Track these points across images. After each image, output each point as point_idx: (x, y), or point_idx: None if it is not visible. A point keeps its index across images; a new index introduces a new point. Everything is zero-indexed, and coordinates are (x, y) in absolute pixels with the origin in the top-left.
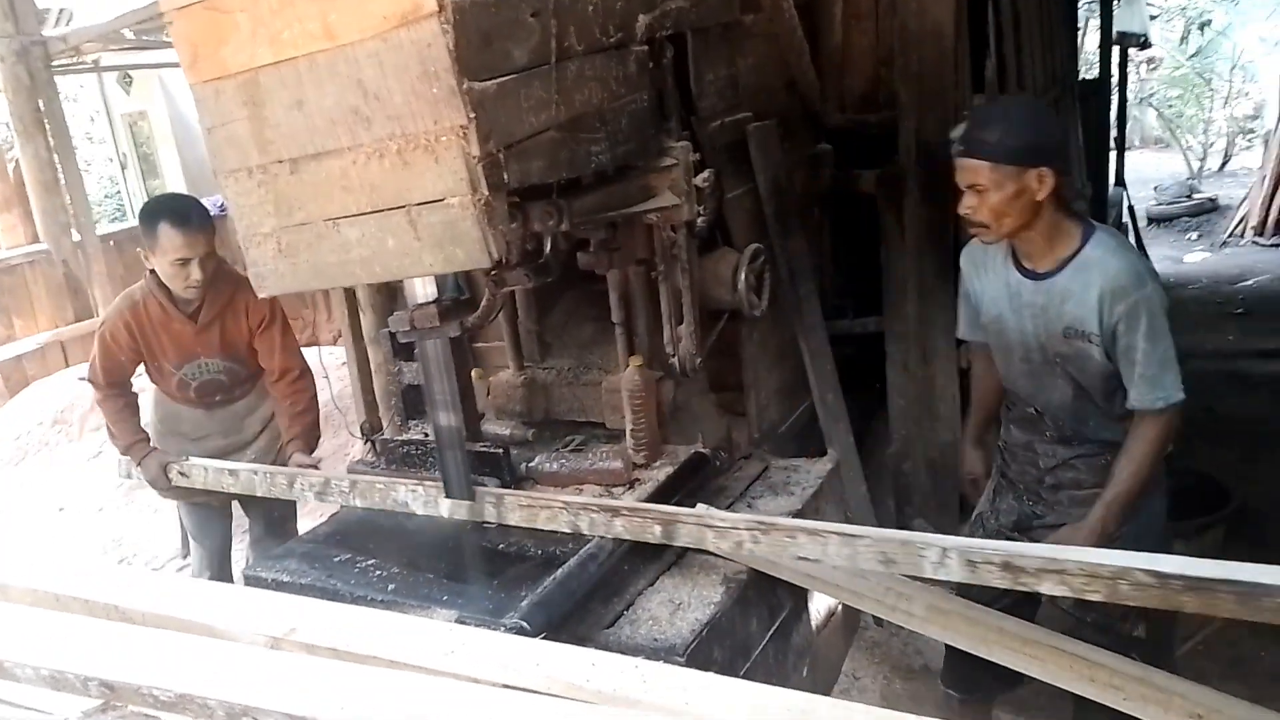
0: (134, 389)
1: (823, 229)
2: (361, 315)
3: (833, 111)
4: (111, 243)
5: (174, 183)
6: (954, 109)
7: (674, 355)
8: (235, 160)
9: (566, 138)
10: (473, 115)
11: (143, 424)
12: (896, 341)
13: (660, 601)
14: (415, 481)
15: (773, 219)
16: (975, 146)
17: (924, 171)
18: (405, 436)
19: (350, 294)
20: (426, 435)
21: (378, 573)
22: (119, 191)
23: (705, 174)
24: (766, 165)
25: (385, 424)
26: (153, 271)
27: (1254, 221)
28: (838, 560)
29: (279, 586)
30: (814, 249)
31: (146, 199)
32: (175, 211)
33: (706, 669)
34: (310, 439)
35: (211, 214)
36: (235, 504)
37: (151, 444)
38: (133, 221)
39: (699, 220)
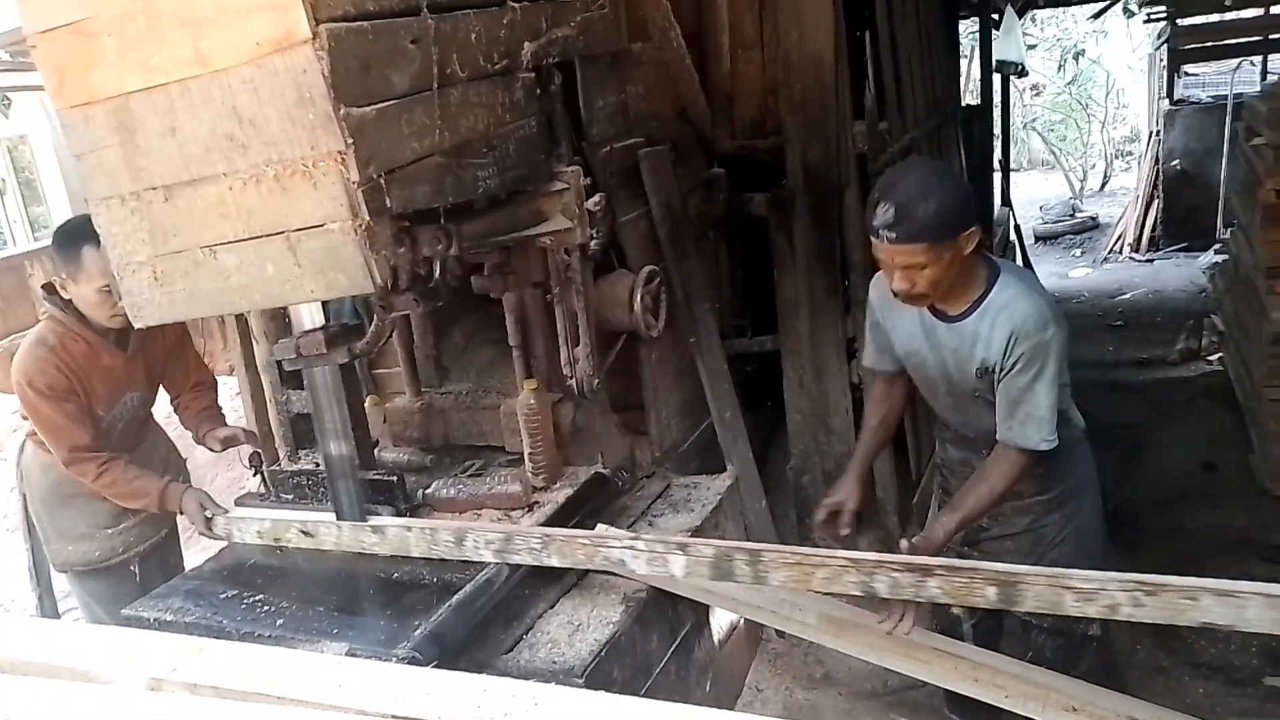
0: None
1: (719, 251)
2: (255, 344)
3: (724, 138)
4: None
5: (58, 209)
6: (837, 135)
7: (572, 377)
8: (107, 188)
9: (451, 163)
10: (351, 141)
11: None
12: (791, 359)
13: (560, 624)
14: (629, 536)
15: (667, 242)
16: (907, 232)
17: (811, 195)
18: (296, 467)
19: (243, 323)
20: (318, 465)
21: (265, 608)
22: None
23: (596, 198)
24: (659, 189)
25: (282, 456)
26: (68, 304)
27: (1130, 239)
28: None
29: (162, 626)
30: (710, 270)
31: (35, 225)
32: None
33: (606, 689)
34: (221, 416)
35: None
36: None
37: (183, 481)
38: (12, 250)
39: (592, 243)
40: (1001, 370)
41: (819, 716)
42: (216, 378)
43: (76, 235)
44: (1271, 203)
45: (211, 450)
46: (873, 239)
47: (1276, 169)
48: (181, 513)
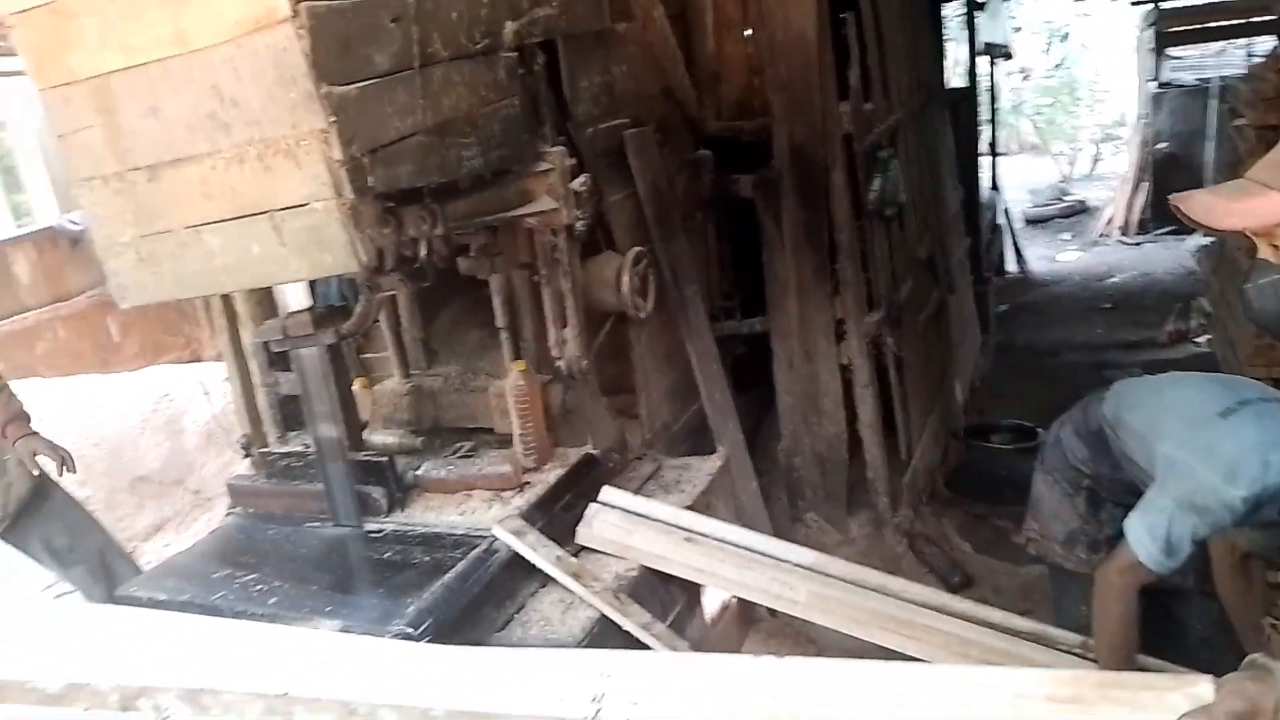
0: None
1: (707, 232)
2: (242, 329)
3: (710, 118)
4: None
5: (40, 196)
6: (822, 116)
7: (560, 358)
8: (90, 168)
9: (435, 142)
10: (333, 119)
11: None
12: (781, 340)
13: (551, 601)
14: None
15: (653, 222)
16: None
17: (798, 176)
18: (285, 449)
19: (229, 307)
20: (307, 446)
21: (259, 587)
22: None
23: (582, 178)
24: (645, 170)
25: (271, 439)
26: None
27: (1119, 222)
28: None
29: (156, 605)
30: (698, 252)
31: (17, 212)
32: None
33: None
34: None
35: None
36: None
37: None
38: None
39: (578, 224)
40: None
41: None
42: None
43: None
44: None
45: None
46: None
47: (1259, 149)
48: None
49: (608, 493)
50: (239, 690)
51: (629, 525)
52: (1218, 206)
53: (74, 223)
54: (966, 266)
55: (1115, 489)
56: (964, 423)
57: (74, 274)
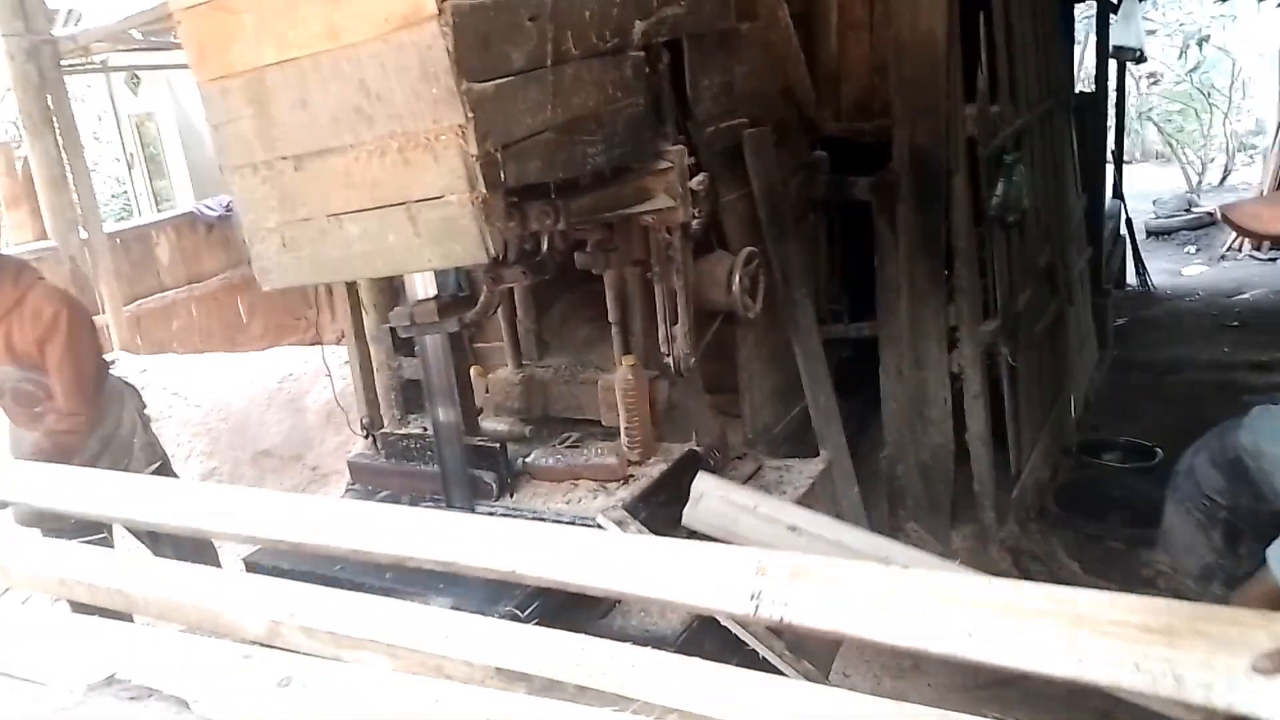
0: None
1: (819, 235)
2: (365, 314)
3: (828, 119)
4: (118, 240)
5: (180, 183)
6: (946, 118)
7: (668, 355)
8: (241, 156)
9: (563, 139)
10: (471, 115)
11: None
12: (890, 346)
13: None
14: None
15: (767, 223)
16: None
17: (917, 179)
18: (404, 431)
19: (353, 293)
20: (425, 430)
21: (376, 560)
22: (125, 191)
23: (700, 177)
24: (761, 170)
25: (386, 421)
26: None
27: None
28: None
29: (279, 573)
30: (810, 254)
31: (159, 197)
32: None
33: None
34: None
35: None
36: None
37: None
38: (139, 220)
39: (694, 222)
40: None
41: None
42: (71, 396)
43: None
44: None
45: None
46: None
47: None
48: None
49: (704, 479)
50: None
51: (733, 512)
52: (1264, 213)
53: (210, 209)
54: (1086, 277)
55: (1256, 522)
56: (1077, 439)
57: (208, 257)
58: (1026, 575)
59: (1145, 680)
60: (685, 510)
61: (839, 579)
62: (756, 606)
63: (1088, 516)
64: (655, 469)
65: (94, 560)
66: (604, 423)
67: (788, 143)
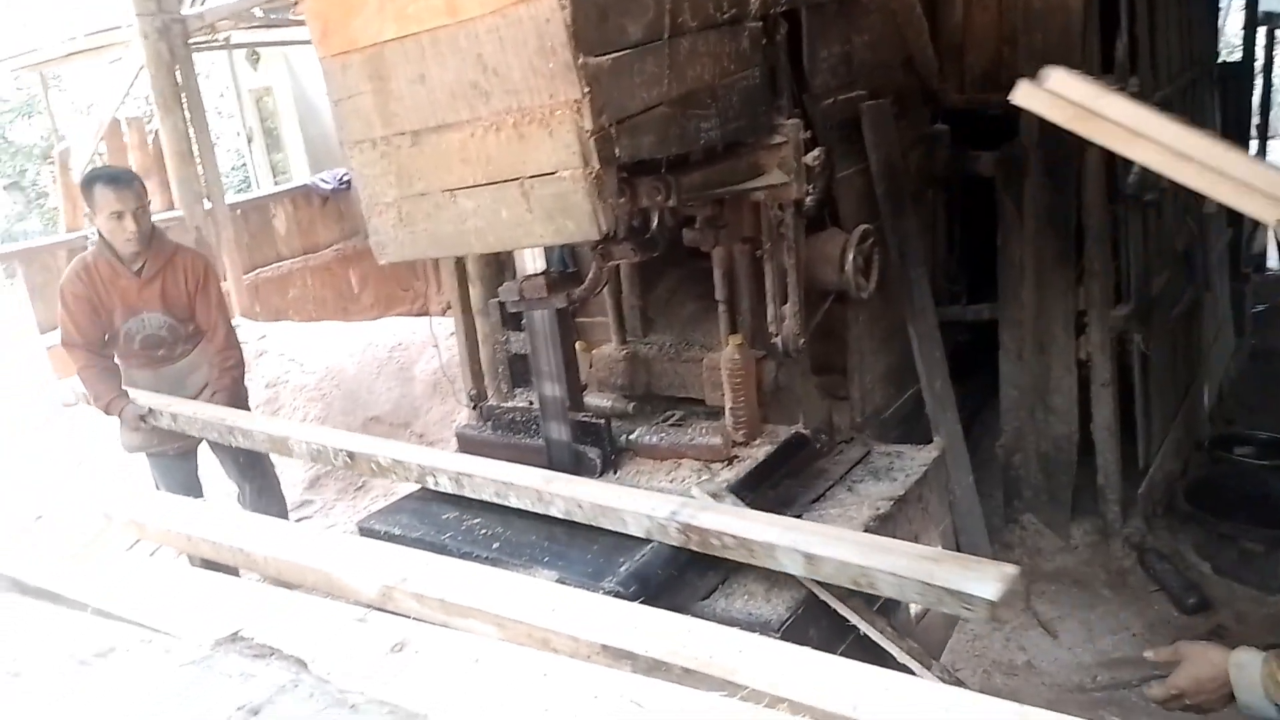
0: (103, 339)
1: (937, 212)
2: (471, 287)
3: (951, 91)
4: (238, 212)
5: (296, 157)
6: None
7: (776, 335)
8: (360, 132)
9: (677, 113)
10: (587, 89)
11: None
12: (1011, 330)
13: (756, 577)
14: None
15: (884, 199)
16: None
17: (1047, 154)
18: (511, 404)
19: (460, 267)
20: (531, 404)
21: (483, 531)
22: (244, 164)
23: (816, 152)
24: (879, 144)
25: (490, 392)
26: (101, 237)
27: None
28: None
29: (391, 539)
30: (926, 232)
31: (276, 170)
32: (109, 175)
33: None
34: (235, 393)
35: (136, 182)
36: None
37: (129, 398)
38: (258, 192)
39: (808, 199)
40: None
41: None
42: (234, 337)
43: (93, 179)
44: None
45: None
46: None
47: None
48: (121, 419)
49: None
50: None
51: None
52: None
53: (325, 182)
54: (1225, 261)
55: None
56: (1210, 432)
57: (323, 229)
58: (1151, 573)
59: None
60: (1019, 87)
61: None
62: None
63: (1220, 515)
64: (760, 450)
65: (220, 520)
66: (708, 402)
67: (908, 115)
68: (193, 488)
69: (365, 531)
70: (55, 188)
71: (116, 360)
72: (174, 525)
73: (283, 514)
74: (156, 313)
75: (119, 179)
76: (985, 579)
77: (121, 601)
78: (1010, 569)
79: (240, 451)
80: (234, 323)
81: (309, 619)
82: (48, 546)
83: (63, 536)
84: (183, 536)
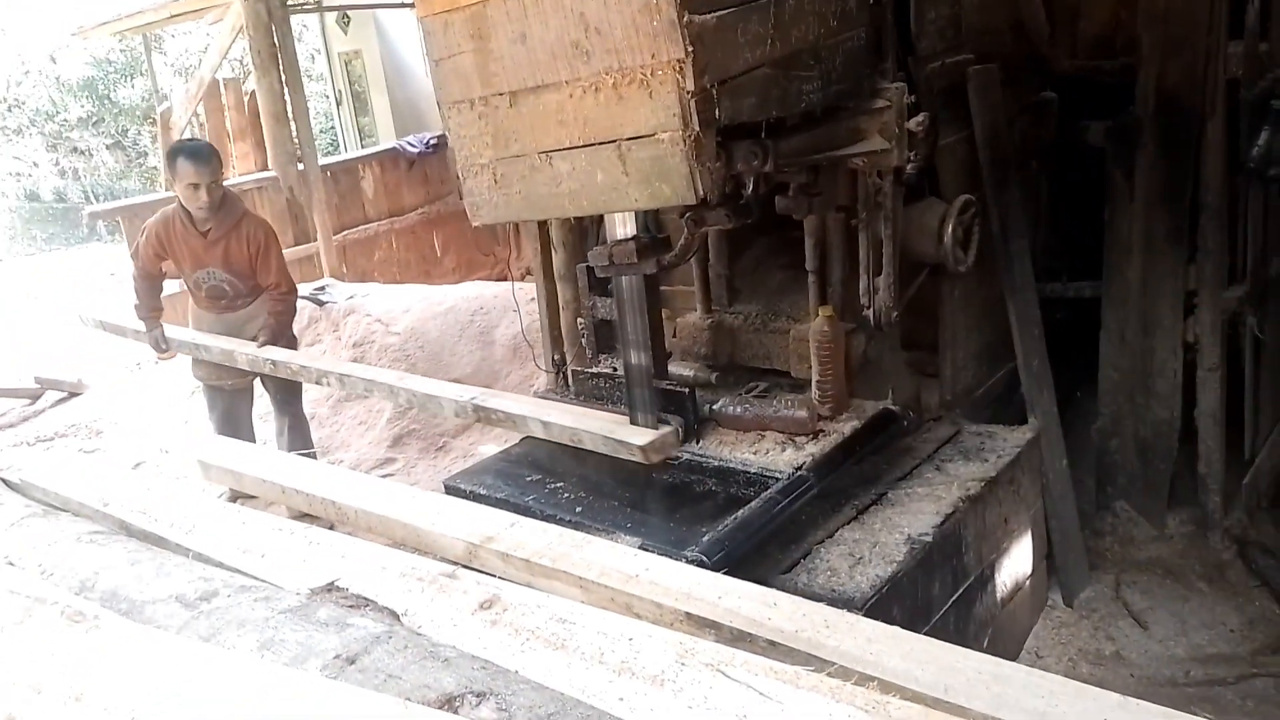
0: (162, 274)
1: (1040, 184)
2: (554, 252)
3: (1062, 56)
4: (328, 173)
5: (382, 120)
6: (1205, 56)
7: (868, 308)
8: (459, 92)
9: (779, 75)
10: (690, 49)
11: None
12: (1115, 309)
13: (840, 554)
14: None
15: (988, 170)
16: None
17: (1164, 124)
18: (595, 370)
19: (544, 232)
20: (615, 370)
21: (566, 495)
22: (333, 127)
23: (919, 118)
24: (985, 111)
25: (570, 358)
26: (178, 198)
27: None
28: None
29: (476, 498)
30: (1029, 204)
31: (363, 133)
32: (190, 149)
33: None
34: (277, 333)
35: (215, 153)
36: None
37: (160, 318)
38: (346, 154)
39: (908, 167)
40: None
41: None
42: (294, 290)
43: (177, 151)
44: None
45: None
46: None
47: None
48: (146, 329)
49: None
50: None
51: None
52: None
53: (411, 145)
54: None
55: None
56: None
57: (408, 192)
58: (1252, 568)
59: None
60: None
61: None
62: None
63: None
64: (847, 425)
65: (311, 472)
66: (793, 374)
67: (1015, 81)
68: (238, 423)
69: (451, 490)
70: (155, 147)
71: (192, 303)
72: (267, 476)
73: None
74: (219, 269)
75: (199, 154)
76: (639, 433)
77: (221, 548)
78: (665, 430)
79: (276, 388)
80: (323, 282)
81: (400, 573)
82: (150, 492)
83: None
84: (276, 487)
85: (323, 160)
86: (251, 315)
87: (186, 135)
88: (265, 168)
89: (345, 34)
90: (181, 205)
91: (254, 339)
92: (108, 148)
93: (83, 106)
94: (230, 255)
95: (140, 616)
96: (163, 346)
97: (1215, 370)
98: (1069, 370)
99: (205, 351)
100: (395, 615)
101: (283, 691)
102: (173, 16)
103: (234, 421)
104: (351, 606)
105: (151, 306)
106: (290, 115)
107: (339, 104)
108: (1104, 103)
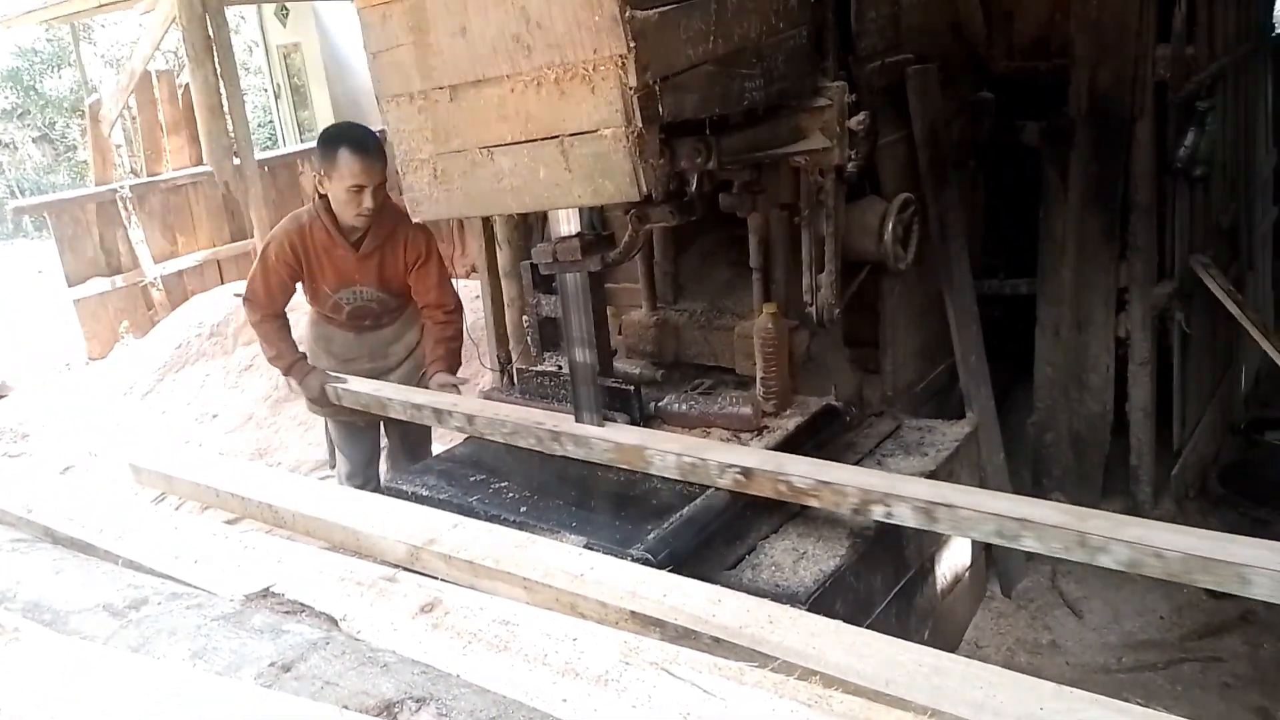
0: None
1: (977, 182)
2: (498, 250)
3: (999, 57)
4: (266, 169)
5: (323, 114)
6: (1135, 59)
7: (811, 305)
8: (398, 85)
9: (721, 72)
10: (633, 44)
11: (296, 340)
12: (1049, 305)
13: (784, 549)
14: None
15: (926, 168)
16: None
17: (1096, 125)
18: (539, 368)
19: (488, 229)
20: (560, 368)
21: (510, 494)
22: (271, 121)
23: (860, 116)
24: (924, 111)
25: (514, 356)
26: (323, 197)
27: None
28: None
29: (418, 500)
30: (967, 203)
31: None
32: (356, 139)
33: None
34: (453, 363)
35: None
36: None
37: (309, 363)
38: (284, 149)
39: (849, 165)
40: None
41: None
42: (461, 307)
43: (338, 139)
44: None
45: (425, 387)
46: None
47: None
48: (302, 386)
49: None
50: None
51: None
52: None
53: None
54: (1269, 240)
55: None
56: (1246, 415)
57: None
58: None
59: None
60: None
61: None
62: None
63: (1254, 499)
64: (790, 422)
65: (247, 475)
66: (738, 371)
67: (953, 82)
68: (374, 458)
69: (392, 491)
70: (84, 140)
71: (318, 315)
72: (201, 479)
73: None
74: (371, 287)
75: (369, 148)
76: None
77: (152, 554)
78: None
79: (412, 429)
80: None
81: (338, 577)
82: (77, 498)
83: (91, 488)
84: (210, 491)
85: (260, 155)
86: (398, 333)
87: (118, 129)
88: (200, 162)
89: (284, 26)
90: (324, 209)
91: (416, 370)
92: (34, 141)
93: (6, 98)
94: (385, 269)
95: (65, 627)
96: (323, 404)
97: (1146, 365)
98: (1006, 366)
99: (393, 407)
100: (333, 620)
101: (216, 702)
102: (102, 5)
103: (370, 464)
104: (287, 612)
105: (294, 349)
106: (226, 109)
107: (277, 97)
108: (1039, 103)
